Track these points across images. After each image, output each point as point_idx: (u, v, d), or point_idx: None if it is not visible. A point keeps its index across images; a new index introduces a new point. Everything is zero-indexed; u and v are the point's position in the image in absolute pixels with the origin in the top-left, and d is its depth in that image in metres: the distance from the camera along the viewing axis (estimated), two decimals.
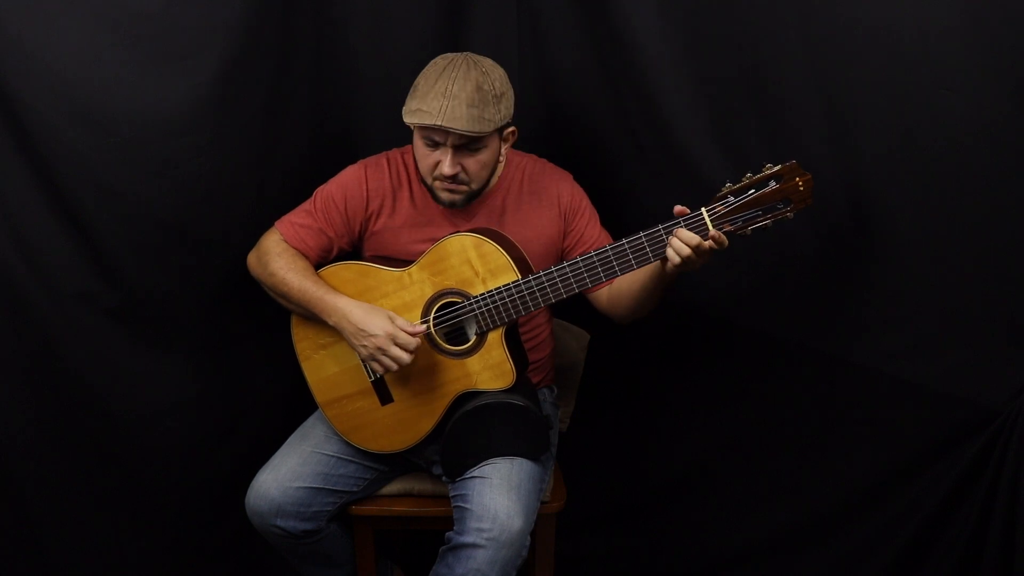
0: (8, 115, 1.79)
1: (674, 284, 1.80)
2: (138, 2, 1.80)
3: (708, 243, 1.66)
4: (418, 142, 1.86)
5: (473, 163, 1.85)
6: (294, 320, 2.00)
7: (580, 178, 2.03)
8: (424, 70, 1.83)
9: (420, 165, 1.89)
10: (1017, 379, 1.66)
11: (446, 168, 1.83)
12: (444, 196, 1.89)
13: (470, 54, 1.84)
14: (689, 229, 1.67)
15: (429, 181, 1.89)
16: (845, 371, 1.88)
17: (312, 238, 1.95)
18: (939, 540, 1.80)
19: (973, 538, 1.73)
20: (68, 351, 1.95)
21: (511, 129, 1.90)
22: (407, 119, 1.81)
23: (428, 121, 1.77)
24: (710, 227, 1.66)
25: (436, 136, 1.81)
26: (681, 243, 1.66)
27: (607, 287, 1.96)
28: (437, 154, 1.84)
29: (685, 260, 1.67)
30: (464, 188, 1.88)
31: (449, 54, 1.85)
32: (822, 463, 1.99)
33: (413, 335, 1.83)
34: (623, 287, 1.93)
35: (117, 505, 2.08)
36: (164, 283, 1.98)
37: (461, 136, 1.78)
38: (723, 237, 1.66)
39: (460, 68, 1.79)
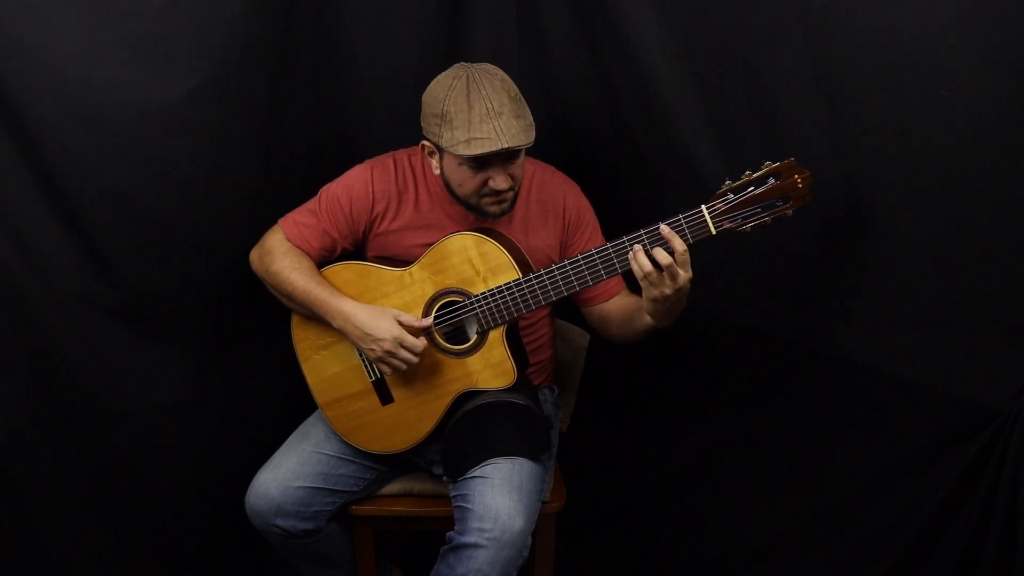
0: (8, 115, 1.78)
1: (663, 325, 1.80)
2: (138, 2, 1.80)
3: (664, 257, 1.65)
4: (458, 169, 1.81)
5: (517, 169, 1.84)
6: (294, 321, 2.00)
7: (580, 178, 2.04)
8: (441, 97, 1.77)
9: (462, 189, 1.85)
10: (1017, 379, 1.66)
11: (502, 184, 1.80)
12: (494, 209, 1.86)
13: (467, 65, 1.81)
14: (689, 226, 1.67)
15: (474, 201, 1.85)
16: (845, 371, 1.88)
17: (316, 238, 1.95)
18: (939, 540, 1.80)
19: (973, 538, 1.73)
20: (68, 351, 1.94)
21: None
22: (463, 152, 1.75)
23: (493, 148, 1.73)
24: (710, 224, 1.66)
25: (490, 157, 1.78)
26: (645, 259, 1.67)
27: (599, 307, 1.98)
28: (484, 173, 1.80)
29: (649, 276, 1.67)
30: (511, 194, 1.86)
31: (451, 72, 1.80)
32: (822, 463, 1.99)
33: (419, 329, 1.83)
34: (612, 312, 1.96)
35: (117, 505, 2.08)
36: (164, 283, 1.98)
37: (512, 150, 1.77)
38: (680, 250, 1.66)
39: (482, 84, 1.76)
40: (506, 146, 1.73)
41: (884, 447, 1.87)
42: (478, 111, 1.73)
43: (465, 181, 1.83)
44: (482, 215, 1.89)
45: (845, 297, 1.86)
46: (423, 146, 1.87)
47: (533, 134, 1.78)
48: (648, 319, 1.79)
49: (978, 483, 1.71)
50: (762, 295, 1.99)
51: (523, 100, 1.81)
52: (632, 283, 1.80)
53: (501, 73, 1.82)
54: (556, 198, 1.99)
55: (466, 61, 1.85)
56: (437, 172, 1.89)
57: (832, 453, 1.97)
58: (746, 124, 1.88)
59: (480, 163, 1.79)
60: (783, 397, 2.03)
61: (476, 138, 1.73)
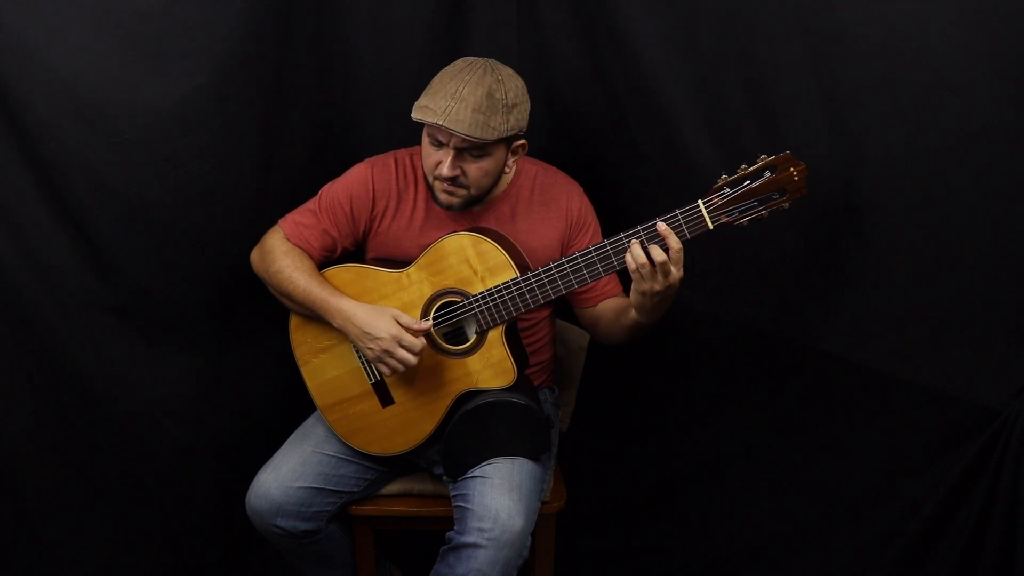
0: (8, 115, 1.79)
1: (653, 321, 1.80)
2: (138, 2, 1.80)
3: (659, 254, 1.65)
4: (425, 139, 1.86)
5: (474, 168, 1.84)
6: (292, 325, 2.00)
7: (580, 177, 2.04)
8: (443, 69, 1.83)
9: (424, 162, 1.89)
10: (1017, 379, 1.66)
11: (445, 169, 1.82)
12: (442, 197, 1.88)
13: (493, 60, 1.83)
14: (686, 221, 1.67)
15: (430, 180, 1.89)
16: (845, 370, 1.88)
17: (316, 238, 1.95)
18: (939, 540, 1.80)
19: (973, 538, 1.72)
20: (68, 351, 1.95)
21: (521, 142, 1.88)
22: (413, 114, 1.80)
23: (430, 119, 1.76)
24: (707, 219, 1.67)
25: (440, 136, 1.80)
26: (640, 250, 1.67)
27: (592, 308, 1.99)
28: (440, 154, 1.83)
29: (641, 268, 1.67)
30: (463, 192, 1.87)
31: (471, 57, 1.84)
32: (822, 463, 1.99)
33: (419, 331, 1.83)
34: (604, 311, 1.96)
35: (117, 505, 2.08)
36: (164, 283, 1.98)
37: (463, 139, 1.78)
38: (676, 248, 1.66)
39: (476, 72, 1.78)
40: (439, 123, 1.74)
41: (884, 447, 1.87)
42: (448, 89, 1.77)
43: (426, 156, 1.87)
44: (434, 199, 1.91)
45: (845, 297, 1.86)
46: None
47: (482, 134, 1.76)
48: (633, 314, 1.80)
49: (978, 483, 1.71)
50: (761, 295, 1.99)
51: (511, 109, 1.79)
52: (625, 280, 1.81)
53: (509, 80, 1.81)
54: (559, 199, 1.99)
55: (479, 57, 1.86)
56: None
57: (832, 453, 1.97)
58: (746, 123, 1.88)
59: (436, 141, 1.82)
60: (783, 396, 2.03)
61: (427, 107, 1.77)
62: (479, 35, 2.21)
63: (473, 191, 1.88)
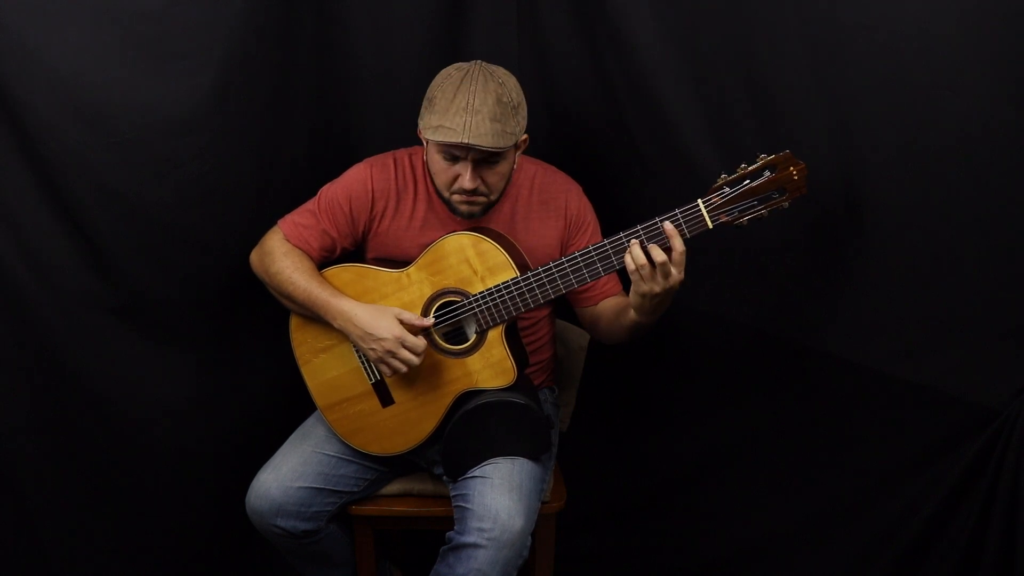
0: (8, 115, 1.78)
1: (652, 321, 1.80)
2: (138, 2, 1.80)
3: (659, 255, 1.65)
4: (435, 156, 1.83)
5: (492, 175, 1.83)
6: (292, 325, 2.00)
7: (579, 177, 2.04)
8: (438, 83, 1.80)
9: (437, 179, 1.87)
10: (1017, 379, 1.66)
11: (467, 183, 1.81)
12: (463, 209, 1.87)
13: (482, 63, 1.82)
14: (686, 221, 1.68)
15: (446, 195, 1.87)
16: (845, 370, 1.88)
17: (315, 238, 1.95)
18: (939, 540, 1.80)
19: (973, 538, 1.72)
20: (68, 351, 1.95)
21: (524, 137, 1.88)
22: (430, 136, 1.78)
23: (453, 139, 1.74)
24: (707, 218, 1.67)
25: (456, 151, 1.79)
26: (640, 252, 1.67)
27: (592, 307, 1.99)
28: (456, 168, 1.82)
29: (641, 269, 1.67)
30: (483, 200, 1.86)
31: (461, 64, 1.82)
32: (822, 463, 1.99)
33: (420, 328, 1.83)
34: (604, 311, 1.96)
35: (117, 505, 2.08)
36: (165, 283, 1.98)
37: (483, 151, 1.77)
38: (679, 250, 1.66)
39: (477, 80, 1.76)
40: (467, 141, 1.73)
41: (884, 447, 1.87)
42: (458, 102, 1.74)
43: (440, 172, 1.85)
44: (453, 211, 1.90)
45: (845, 297, 1.86)
46: (420, 131, 1.87)
47: (504, 142, 1.76)
48: (633, 314, 1.79)
49: (978, 483, 1.71)
50: (761, 294, 1.99)
51: (517, 110, 1.80)
52: (625, 279, 1.80)
53: (507, 79, 1.81)
54: (558, 198, 1.99)
55: (465, 61, 1.85)
56: (426, 159, 1.90)
57: (832, 452, 1.97)
58: (745, 124, 1.88)
59: (452, 156, 1.80)
60: (783, 396, 2.03)
61: (444, 126, 1.75)
62: (479, 35, 2.21)
63: (493, 196, 1.88)
